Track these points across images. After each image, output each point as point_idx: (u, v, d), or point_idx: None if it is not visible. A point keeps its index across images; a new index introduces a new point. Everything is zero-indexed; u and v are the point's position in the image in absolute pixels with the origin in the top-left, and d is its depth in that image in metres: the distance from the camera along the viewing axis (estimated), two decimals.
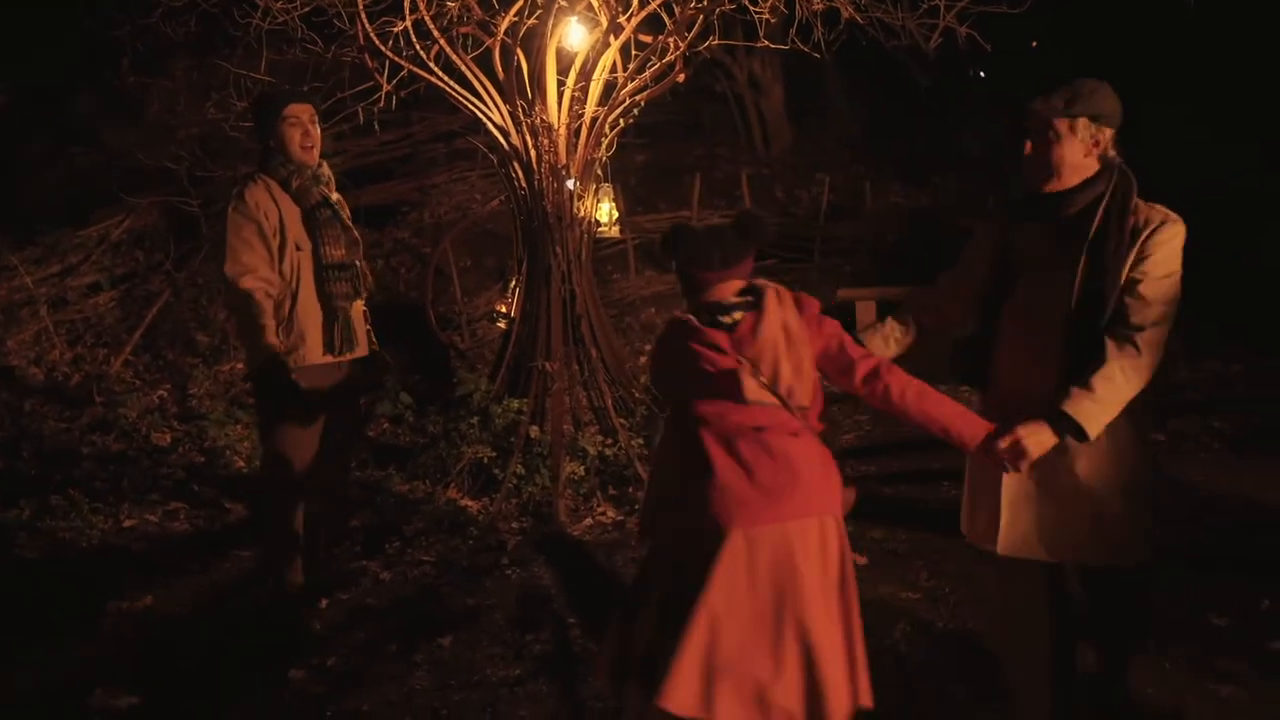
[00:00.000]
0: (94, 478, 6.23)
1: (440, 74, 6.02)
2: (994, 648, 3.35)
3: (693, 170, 13.47)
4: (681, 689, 2.57)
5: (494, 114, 6.11)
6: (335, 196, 4.41)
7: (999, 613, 3.12)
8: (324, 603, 4.64)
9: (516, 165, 6.20)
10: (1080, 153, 2.95)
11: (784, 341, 2.75)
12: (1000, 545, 3.08)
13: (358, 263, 4.39)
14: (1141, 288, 2.84)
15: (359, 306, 4.44)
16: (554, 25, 5.94)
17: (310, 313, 4.24)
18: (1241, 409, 6.91)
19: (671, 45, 6.00)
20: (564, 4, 5.88)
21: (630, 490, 5.99)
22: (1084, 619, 3.23)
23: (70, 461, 6.49)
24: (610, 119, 6.18)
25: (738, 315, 2.79)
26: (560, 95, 6.10)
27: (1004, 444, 2.84)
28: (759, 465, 2.69)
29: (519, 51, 5.94)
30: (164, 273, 8.98)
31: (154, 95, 9.65)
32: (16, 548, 5.31)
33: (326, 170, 4.41)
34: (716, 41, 6.19)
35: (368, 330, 4.54)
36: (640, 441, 6.15)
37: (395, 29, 5.86)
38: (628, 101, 6.18)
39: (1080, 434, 2.85)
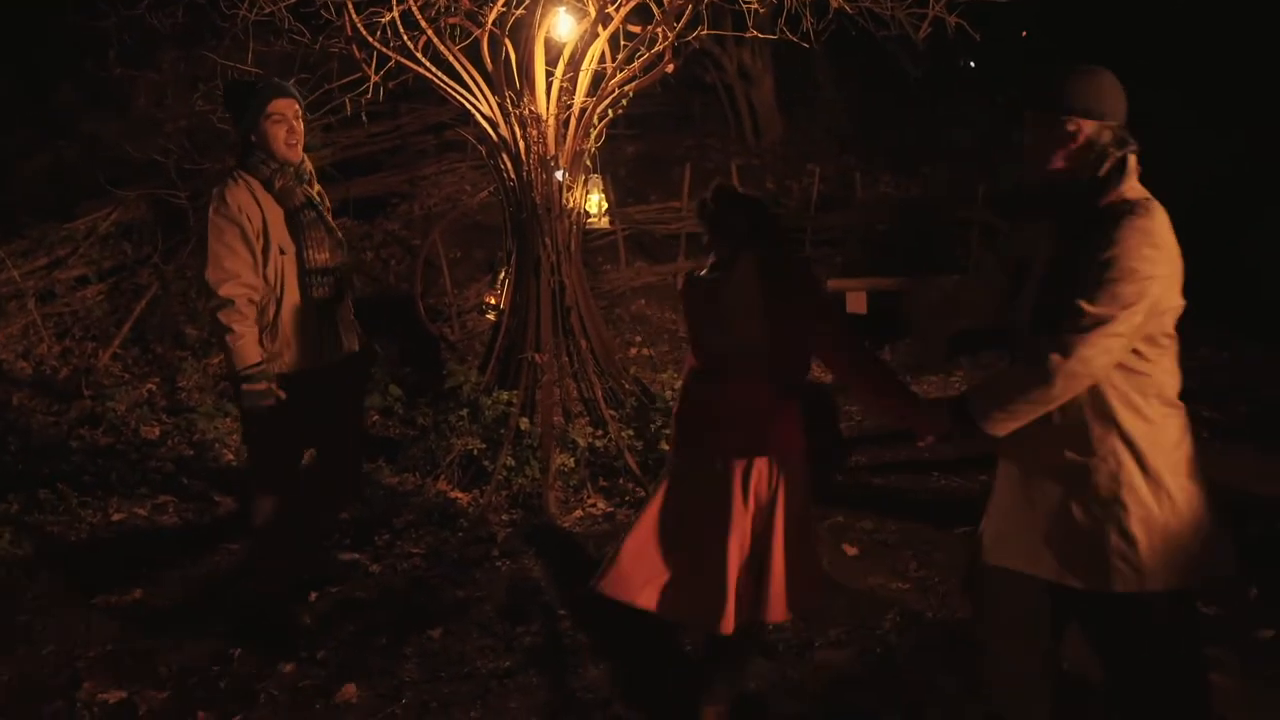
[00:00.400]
0: (82, 471, 6.21)
1: (428, 65, 6.00)
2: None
3: (683, 161, 13.42)
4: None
5: (482, 105, 6.09)
6: (317, 189, 4.29)
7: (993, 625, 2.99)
8: (313, 596, 4.64)
9: (505, 156, 6.19)
10: (1063, 147, 2.76)
11: (747, 304, 3.28)
12: (985, 551, 2.92)
13: (342, 266, 4.25)
14: (1085, 290, 2.57)
15: (346, 306, 4.33)
16: (542, 15, 5.92)
17: (295, 318, 4.09)
18: (1230, 397, 6.93)
19: (660, 35, 5.98)
20: None
21: (620, 482, 5.98)
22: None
23: (58, 455, 6.47)
24: (599, 110, 6.17)
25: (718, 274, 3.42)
26: (549, 86, 6.08)
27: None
28: (713, 404, 3.32)
29: (507, 42, 5.92)
30: (152, 266, 8.95)
31: (141, 87, 9.61)
32: (4, 542, 5.28)
33: (308, 165, 4.25)
34: (706, 31, 6.18)
35: (354, 323, 4.43)
36: (630, 432, 6.14)
37: (383, 20, 5.83)
38: (616, 92, 6.17)
39: (970, 423, 2.74)
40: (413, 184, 11.58)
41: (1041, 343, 2.61)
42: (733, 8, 6.13)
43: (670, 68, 6.20)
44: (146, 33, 6.60)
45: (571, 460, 5.89)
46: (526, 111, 6.02)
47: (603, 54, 6.12)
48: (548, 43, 6.10)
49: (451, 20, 6.06)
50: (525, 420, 5.91)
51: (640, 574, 3.43)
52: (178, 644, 4.25)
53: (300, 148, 4.16)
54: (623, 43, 6.08)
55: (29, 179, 9.60)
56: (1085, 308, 2.55)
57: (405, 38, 5.84)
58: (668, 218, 12.53)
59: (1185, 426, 2.82)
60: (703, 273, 3.56)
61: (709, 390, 3.38)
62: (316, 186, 4.31)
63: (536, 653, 4.11)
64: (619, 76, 6.10)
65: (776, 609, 3.30)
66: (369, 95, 6.20)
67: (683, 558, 3.38)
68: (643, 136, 14.39)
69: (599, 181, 6.94)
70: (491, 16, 5.90)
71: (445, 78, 6.05)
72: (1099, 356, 2.57)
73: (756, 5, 5.96)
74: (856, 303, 9.27)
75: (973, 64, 15.37)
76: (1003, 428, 2.69)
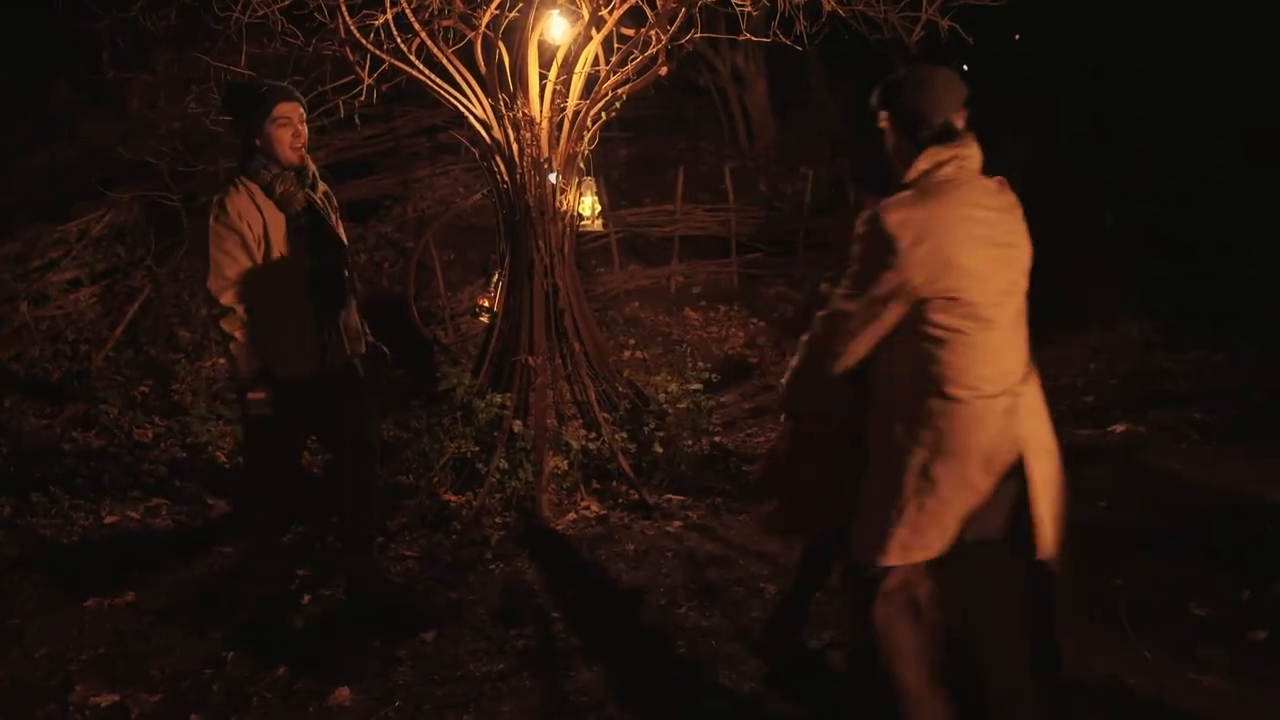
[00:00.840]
0: (75, 474, 6.20)
1: (422, 68, 6.00)
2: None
3: (676, 164, 13.45)
4: None
5: (476, 108, 6.09)
6: (323, 189, 4.25)
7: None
8: (306, 598, 4.64)
9: (499, 159, 6.19)
10: (895, 146, 2.88)
11: None
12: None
13: (344, 270, 4.23)
14: None
15: (350, 310, 4.28)
16: (536, 18, 5.92)
17: (297, 324, 4.05)
18: (1222, 400, 6.95)
19: (654, 38, 5.99)
20: None
21: (614, 484, 5.99)
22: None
23: (51, 458, 6.46)
24: (593, 112, 6.17)
25: None
26: (542, 89, 6.08)
27: None
28: None
29: (501, 45, 5.92)
30: (145, 268, 8.95)
31: (134, 89, 9.61)
32: None
33: (311, 166, 4.21)
34: (699, 35, 6.19)
35: (359, 327, 4.40)
36: (624, 435, 6.15)
37: (376, 22, 5.83)
38: (610, 95, 6.17)
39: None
40: (406, 186, 11.59)
41: None
42: (726, 11, 6.14)
43: (664, 71, 6.21)
44: (140, 35, 6.57)
45: (565, 463, 5.89)
46: (520, 114, 6.02)
47: (596, 57, 6.13)
48: (541, 46, 6.10)
49: (445, 23, 6.05)
50: (519, 423, 5.91)
51: None
52: (170, 647, 4.25)
53: (304, 151, 4.12)
54: (616, 46, 6.08)
55: (23, 179, 9.58)
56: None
57: (399, 40, 5.84)
58: (661, 220, 12.54)
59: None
60: None
61: None
62: (322, 187, 4.26)
63: (530, 656, 4.11)
64: (612, 79, 6.10)
65: None
66: (362, 98, 6.20)
67: None
68: (636, 139, 14.41)
69: (592, 184, 6.95)
70: (485, 19, 5.90)
71: (439, 80, 6.05)
72: (833, 339, 2.83)
73: (750, 8, 5.96)
74: None
75: (965, 67, 15.38)
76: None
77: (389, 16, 5.75)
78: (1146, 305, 9.05)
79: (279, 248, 4.00)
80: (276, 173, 4.02)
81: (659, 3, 5.86)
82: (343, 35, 5.84)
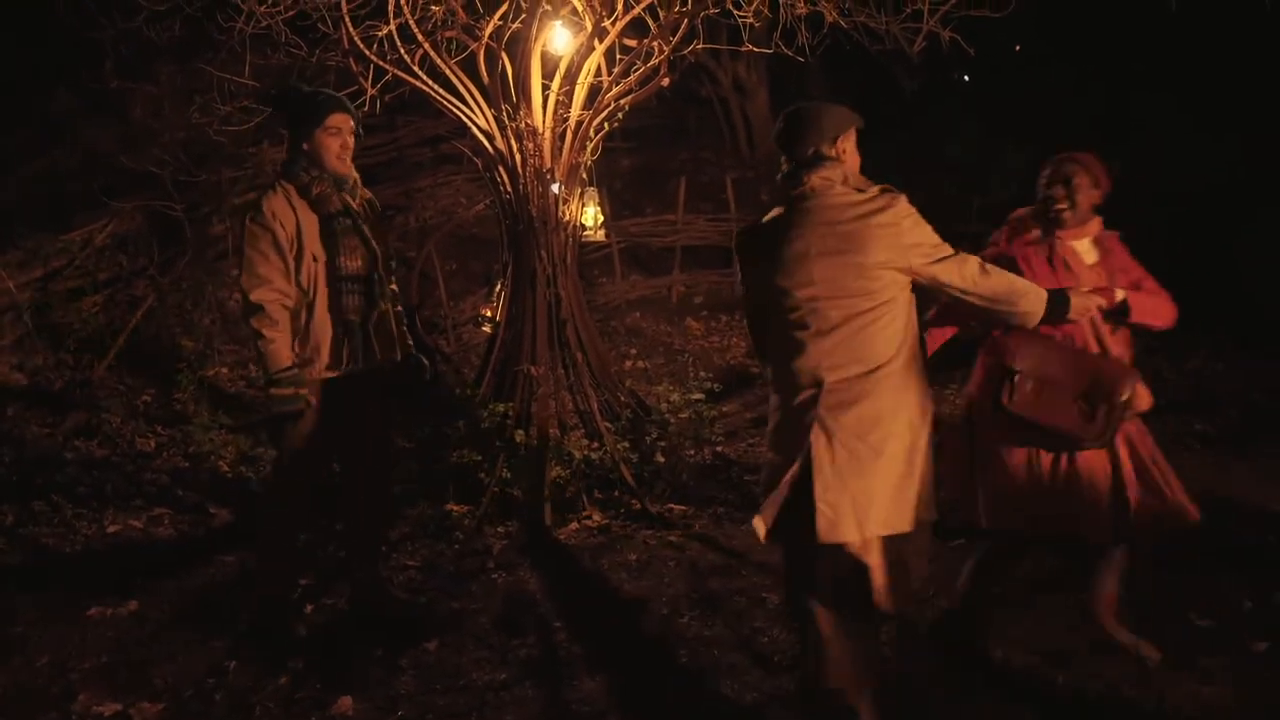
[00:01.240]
0: (77, 483, 6.21)
1: (425, 78, 6.02)
2: None
3: (678, 174, 13.48)
4: None
5: (479, 118, 6.11)
6: (365, 196, 4.33)
7: None
8: (309, 607, 4.64)
9: (502, 169, 6.21)
10: None
11: None
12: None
13: (376, 274, 4.25)
14: None
15: (384, 316, 4.30)
16: (538, 29, 5.94)
17: (325, 325, 4.13)
18: (1224, 407, 6.95)
19: (656, 49, 6.01)
20: (548, 8, 5.90)
21: (616, 494, 5.99)
22: None
23: (53, 467, 6.46)
24: (595, 123, 6.19)
25: None
26: (545, 99, 6.10)
27: None
28: None
29: (504, 56, 5.94)
30: (148, 278, 8.96)
31: (138, 99, 9.63)
32: None
33: (354, 174, 4.28)
34: (701, 45, 6.21)
35: (403, 333, 4.46)
36: (626, 445, 6.15)
37: (380, 33, 5.86)
38: (612, 105, 6.19)
39: None
40: (408, 196, 11.61)
41: None
42: (728, 22, 6.16)
43: (666, 81, 6.23)
44: (143, 44, 6.61)
45: (567, 473, 5.89)
46: (523, 125, 6.04)
47: (599, 68, 6.15)
48: (544, 56, 6.13)
49: (448, 34, 6.08)
50: (521, 433, 5.91)
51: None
52: (173, 656, 4.24)
53: (349, 161, 4.22)
54: (619, 56, 6.11)
55: (26, 186, 9.59)
56: None
57: (402, 51, 5.86)
58: (663, 230, 12.57)
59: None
60: None
61: None
62: (364, 194, 4.34)
63: (532, 665, 4.11)
64: (615, 90, 6.12)
65: None
66: (366, 108, 6.21)
67: None
68: (638, 149, 14.44)
69: (595, 194, 6.96)
70: (488, 30, 5.93)
71: (442, 91, 6.07)
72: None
73: (752, 19, 5.98)
74: None
75: (966, 78, 15.42)
76: None
77: (392, 27, 5.78)
78: None
79: (311, 249, 4.09)
80: (316, 175, 4.12)
81: (661, 14, 5.88)
82: (346, 46, 5.87)
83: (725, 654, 4.12)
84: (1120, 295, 3.57)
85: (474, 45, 6.05)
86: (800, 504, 2.99)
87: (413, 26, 5.78)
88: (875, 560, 3.05)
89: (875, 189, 3.08)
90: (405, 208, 11.50)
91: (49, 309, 8.60)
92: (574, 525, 5.72)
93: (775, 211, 3.21)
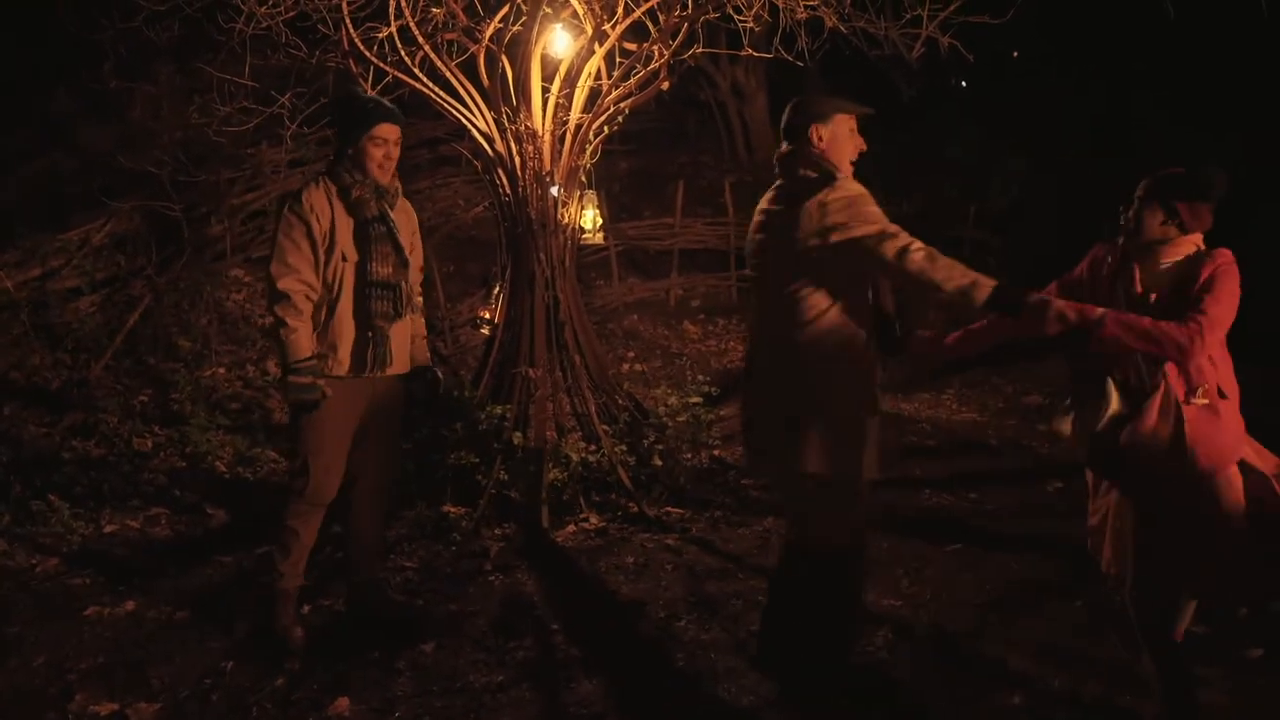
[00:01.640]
0: (75, 483, 6.20)
1: (425, 80, 6.02)
2: None
3: (676, 177, 13.51)
4: None
5: (479, 120, 6.12)
6: (404, 206, 4.39)
7: None
8: (306, 608, 4.63)
9: (501, 172, 6.21)
10: None
11: None
12: None
13: (403, 284, 4.27)
14: None
15: (405, 326, 4.33)
16: (539, 32, 5.95)
17: (345, 326, 4.16)
18: None
19: (656, 53, 6.02)
20: (549, 11, 5.90)
21: (613, 497, 5.99)
22: None
23: (51, 466, 6.46)
24: (595, 126, 6.20)
25: None
26: (545, 102, 6.11)
27: None
28: None
29: (504, 58, 5.95)
30: (145, 278, 8.95)
31: (137, 99, 9.63)
32: None
33: (395, 184, 4.35)
34: (701, 50, 6.22)
35: (422, 344, 4.51)
36: (623, 448, 6.15)
37: (380, 35, 5.87)
38: (612, 109, 6.20)
39: None
40: (407, 198, 11.60)
41: None
42: (728, 26, 6.17)
43: (665, 85, 6.24)
44: (143, 44, 6.61)
45: (565, 475, 5.89)
46: (522, 127, 6.04)
47: (599, 71, 6.16)
48: (544, 59, 6.14)
49: (449, 36, 6.09)
50: (519, 435, 5.91)
51: None
52: (170, 656, 4.24)
53: (391, 172, 4.27)
54: (618, 60, 6.12)
55: (25, 186, 9.59)
56: None
57: (403, 53, 5.87)
58: (661, 234, 12.59)
59: None
60: None
61: None
62: (405, 205, 4.41)
63: (529, 667, 4.11)
64: (615, 93, 6.13)
65: None
66: None
67: None
68: (637, 152, 14.46)
69: (593, 197, 6.97)
70: (488, 33, 5.94)
71: (442, 93, 6.08)
72: None
73: (751, 24, 5.99)
74: None
75: (965, 83, 15.46)
76: None
77: (393, 29, 5.79)
78: None
79: (342, 248, 4.13)
80: (358, 179, 4.17)
81: (662, 18, 5.89)
82: (346, 47, 5.88)
83: (722, 657, 4.13)
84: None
85: (474, 48, 6.05)
86: None
87: (413, 28, 5.78)
88: None
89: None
90: None
91: (46, 308, 8.60)
92: (571, 528, 5.73)
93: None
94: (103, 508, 5.95)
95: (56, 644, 4.36)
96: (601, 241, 10.82)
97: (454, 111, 6.12)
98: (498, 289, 6.56)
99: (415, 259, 4.43)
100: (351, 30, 5.78)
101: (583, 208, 6.61)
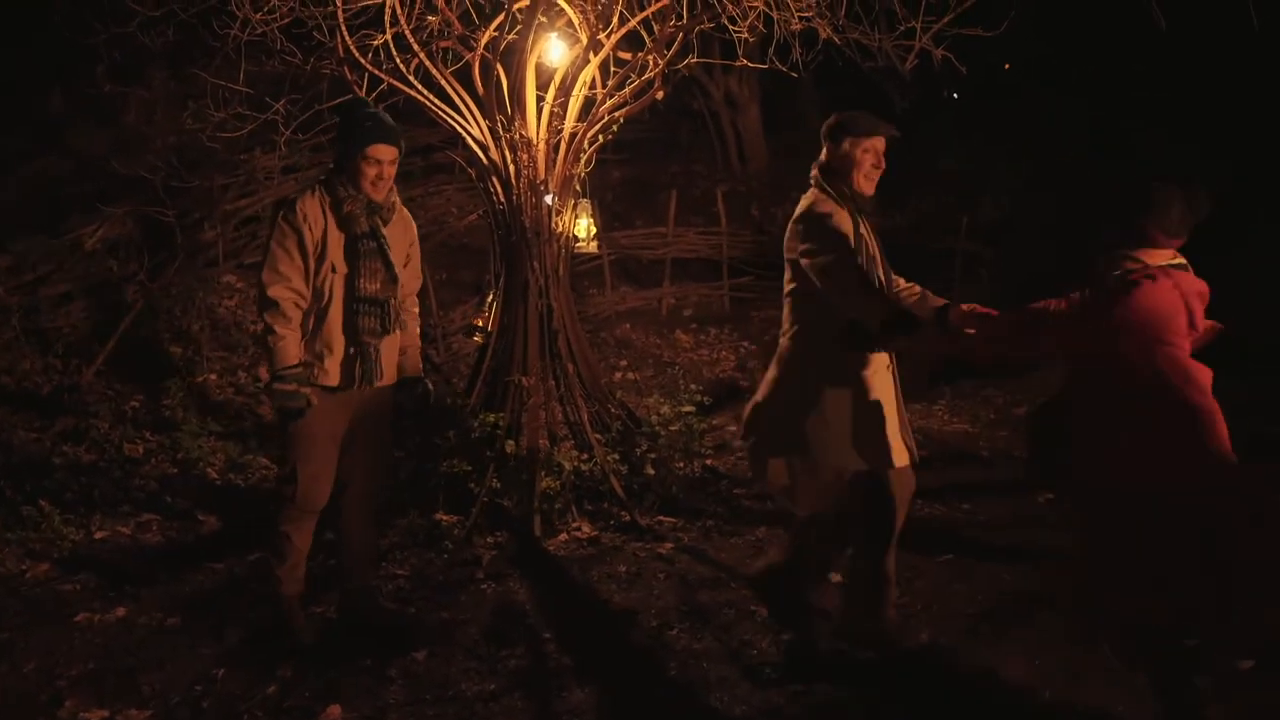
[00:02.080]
0: (65, 489, 6.17)
1: (420, 88, 6.03)
2: None
3: (669, 187, 13.52)
4: None
5: (473, 128, 6.12)
6: (402, 221, 4.39)
7: None
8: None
9: (495, 180, 6.22)
10: None
11: None
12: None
13: (391, 300, 4.27)
14: None
15: (394, 338, 4.34)
16: (534, 41, 5.96)
17: (334, 336, 4.18)
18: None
19: (651, 63, 6.04)
20: (544, 20, 5.92)
21: (605, 506, 5.99)
22: None
23: (41, 472, 6.43)
24: (589, 135, 6.21)
25: None
26: (540, 111, 6.12)
27: None
28: None
29: (499, 67, 5.96)
30: (138, 283, 8.92)
31: (130, 103, 9.61)
32: None
33: (395, 199, 4.35)
34: (695, 60, 6.23)
35: (415, 357, 4.53)
36: (616, 457, 6.15)
37: (375, 42, 5.87)
38: (607, 118, 6.21)
39: None
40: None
41: None
42: (722, 36, 6.19)
43: (659, 95, 6.26)
44: (137, 49, 6.60)
45: (557, 484, 5.88)
46: (517, 136, 6.05)
47: (593, 80, 6.17)
48: (539, 68, 6.15)
49: (444, 44, 6.10)
50: (511, 443, 5.91)
51: None
52: (160, 663, 4.24)
53: (385, 190, 4.25)
54: (613, 69, 6.13)
55: (16, 190, 9.56)
56: None
57: (398, 60, 5.88)
58: (653, 243, 12.60)
59: None
60: None
61: None
62: (402, 220, 4.41)
63: (521, 676, 4.11)
64: (609, 103, 6.14)
65: None
66: None
67: None
68: (630, 162, 14.48)
69: (587, 206, 6.98)
70: (483, 41, 5.95)
71: (437, 101, 6.08)
72: None
73: (746, 34, 6.01)
74: None
75: (957, 95, 15.51)
76: None
77: (388, 37, 5.80)
78: None
79: (333, 259, 4.15)
80: (350, 194, 4.17)
81: (656, 28, 5.91)
82: (341, 54, 5.88)
83: (714, 666, 4.13)
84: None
85: (469, 56, 6.06)
86: None
87: (408, 36, 5.79)
88: None
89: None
90: None
91: (38, 313, 8.57)
92: (563, 536, 5.72)
93: None
94: (94, 513, 5.93)
95: (47, 650, 4.36)
96: (595, 250, 10.82)
97: (449, 119, 6.12)
98: (491, 297, 6.56)
99: (412, 270, 4.46)
100: (347, 37, 5.78)
101: (577, 216, 6.60)
